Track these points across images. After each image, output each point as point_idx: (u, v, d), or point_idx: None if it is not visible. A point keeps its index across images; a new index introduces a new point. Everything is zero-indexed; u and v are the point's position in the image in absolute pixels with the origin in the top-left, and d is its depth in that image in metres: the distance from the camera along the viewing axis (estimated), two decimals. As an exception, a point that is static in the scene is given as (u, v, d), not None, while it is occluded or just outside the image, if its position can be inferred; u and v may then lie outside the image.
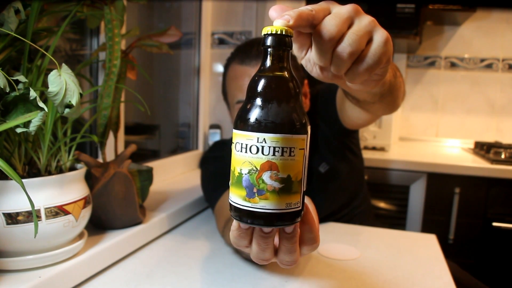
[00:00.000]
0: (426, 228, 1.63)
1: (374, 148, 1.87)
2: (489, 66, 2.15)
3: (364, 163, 1.20)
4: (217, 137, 1.55)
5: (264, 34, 0.36)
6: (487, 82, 2.16)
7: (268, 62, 0.36)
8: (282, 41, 0.35)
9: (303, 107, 0.36)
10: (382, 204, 1.73)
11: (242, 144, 0.35)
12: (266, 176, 0.34)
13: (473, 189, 1.57)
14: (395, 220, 1.71)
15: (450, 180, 1.58)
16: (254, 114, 0.34)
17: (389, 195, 1.71)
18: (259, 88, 0.35)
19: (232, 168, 0.36)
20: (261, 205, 0.34)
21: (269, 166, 0.34)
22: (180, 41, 1.54)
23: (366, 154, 1.66)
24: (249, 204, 0.35)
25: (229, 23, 1.56)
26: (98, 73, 1.03)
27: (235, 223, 0.38)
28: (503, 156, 1.67)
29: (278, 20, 0.36)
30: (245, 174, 0.34)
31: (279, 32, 0.35)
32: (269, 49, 0.36)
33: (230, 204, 0.37)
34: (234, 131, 0.36)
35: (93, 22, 0.79)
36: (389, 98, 0.69)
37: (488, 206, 1.56)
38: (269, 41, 0.36)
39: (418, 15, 1.74)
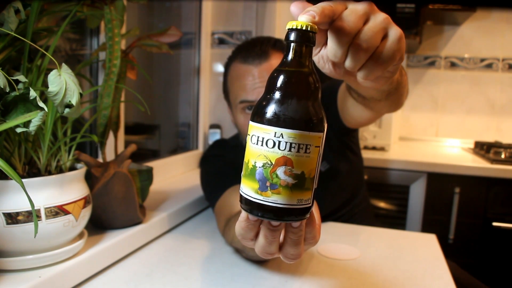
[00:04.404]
0: (426, 228, 1.63)
1: (374, 148, 1.87)
2: (489, 66, 2.15)
3: (363, 162, 1.20)
4: (217, 137, 1.55)
5: (289, 29, 0.36)
6: (487, 82, 2.16)
7: (291, 57, 0.36)
8: (307, 36, 0.35)
9: (321, 104, 0.36)
10: (382, 204, 1.73)
11: (258, 137, 0.34)
12: (280, 171, 0.34)
13: (473, 189, 1.57)
14: (395, 220, 1.71)
15: (450, 180, 1.58)
16: (273, 108, 0.34)
17: (389, 195, 1.71)
18: (280, 82, 0.35)
19: (246, 159, 0.36)
20: (273, 199, 0.34)
21: (284, 161, 0.34)
22: (180, 41, 1.54)
23: (366, 154, 1.66)
24: (261, 197, 0.35)
25: (229, 23, 1.56)
26: (98, 73, 1.03)
27: (243, 214, 0.38)
28: (503, 156, 1.67)
29: (303, 15, 0.36)
30: (259, 167, 0.34)
31: (304, 28, 0.35)
32: (292, 44, 0.36)
33: (241, 195, 0.37)
34: (251, 123, 0.36)
35: (93, 22, 0.79)
36: (395, 96, 0.70)
37: (488, 206, 1.56)
38: (293, 36, 0.35)
39: (418, 15, 1.74)
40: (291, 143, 0.33)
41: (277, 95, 0.35)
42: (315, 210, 0.41)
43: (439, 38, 2.20)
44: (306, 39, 0.35)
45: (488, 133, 2.17)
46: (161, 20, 1.51)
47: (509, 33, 2.11)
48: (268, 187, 0.34)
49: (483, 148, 1.83)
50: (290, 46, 0.36)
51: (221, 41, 1.58)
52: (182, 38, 1.38)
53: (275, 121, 0.34)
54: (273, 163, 0.34)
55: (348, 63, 0.39)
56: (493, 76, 2.15)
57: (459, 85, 2.20)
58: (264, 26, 1.53)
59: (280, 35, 1.50)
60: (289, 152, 0.34)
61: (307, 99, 0.35)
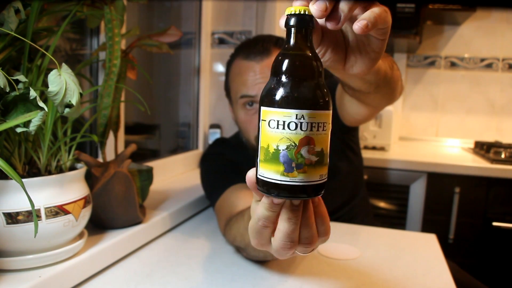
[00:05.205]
0: (426, 228, 1.63)
1: (374, 148, 1.87)
2: (489, 66, 2.15)
3: (363, 162, 1.20)
4: (217, 137, 1.55)
5: (288, 14, 0.38)
6: (487, 82, 2.16)
7: (295, 41, 0.38)
8: (307, 20, 0.37)
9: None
10: (382, 204, 1.73)
11: (278, 121, 0.36)
12: (304, 151, 0.35)
13: (473, 189, 1.57)
14: (395, 220, 1.71)
15: (450, 180, 1.58)
16: (291, 91, 0.36)
17: (389, 195, 1.71)
18: (292, 66, 0.37)
19: (264, 145, 0.37)
20: (300, 178, 0.36)
21: (307, 141, 0.35)
22: (180, 41, 1.54)
23: (366, 154, 1.66)
24: (288, 179, 0.36)
25: (229, 23, 1.56)
26: (98, 73, 1.03)
27: (265, 199, 0.39)
28: (503, 155, 1.67)
29: (298, 1, 0.38)
30: (283, 150, 0.36)
31: (302, 12, 0.37)
32: (294, 28, 0.38)
33: (263, 181, 0.37)
34: (267, 108, 0.36)
35: (93, 21, 0.79)
36: (385, 89, 0.71)
37: (488, 206, 1.56)
38: (295, 21, 0.37)
39: (418, 15, 1.74)
40: (311, 123, 0.35)
41: (290, 78, 0.36)
42: (324, 206, 0.42)
43: (439, 38, 2.20)
44: (306, 22, 0.37)
45: (488, 133, 2.17)
46: (161, 20, 1.51)
47: (509, 33, 2.11)
48: (294, 168, 0.36)
49: (483, 148, 1.83)
50: (292, 31, 0.38)
51: (221, 41, 1.58)
52: (182, 38, 1.38)
53: (295, 104, 0.35)
54: (297, 144, 0.35)
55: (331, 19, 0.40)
56: (493, 76, 2.15)
57: (459, 85, 2.20)
58: (264, 26, 1.53)
59: (280, 34, 1.50)
60: (310, 132, 0.35)
61: (318, 80, 0.37)
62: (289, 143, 0.35)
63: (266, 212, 0.39)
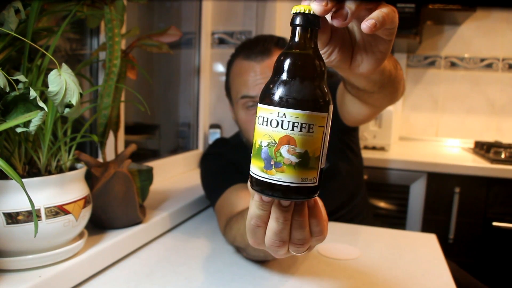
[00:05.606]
0: (426, 227, 1.63)
1: (374, 148, 1.87)
2: (489, 66, 2.15)
3: (363, 163, 1.20)
4: (217, 137, 1.55)
5: (294, 13, 0.37)
6: (487, 82, 2.16)
7: (296, 40, 0.37)
8: (310, 20, 0.37)
9: (327, 86, 0.37)
10: (382, 204, 1.73)
11: (264, 117, 0.36)
12: (283, 150, 0.35)
13: (473, 189, 1.57)
14: (395, 219, 1.71)
15: (450, 180, 1.58)
16: (277, 89, 0.36)
17: (389, 195, 1.71)
18: (284, 64, 0.36)
19: (254, 140, 0.37)
20: (277, 177, 0.35)
21: (287, 140, 0.35)
22: (180, 41, 1.54)
23: (366, 154, 1.66)
24: (266, 176, 0.36)
25: (229, 23, 1.56)
26: (98, 73, 1.03)
27: (256, 197, 0.39)
28: (503, 155, 1.67)
29: (306, 1, 0.38)
30: (265, 146, 0.36)
31: (307, 12, 0.37)
32: (298, 28, 0.37)
33: (250, 175, 0.38)
34: (258, 105, 0.37)
35: (93, 22, 0.79)
36: (389, 89, 0.71)
37: (488, 206, 1.56)
38: (298, 20, 0.37)
39: (418, 15, 1.74)
40: (293, 123, 0.35)
41: (281, 77, 0.36)
42: (321, 207, 0.41)
43: (439, 38, 2.20)
44: (311, 22, 0.37)
45: (488, 133, 2.17)
46: (161, 20, 1.51)
47: (509, 33, 2.11)
48: (273, 166, 0.35)
49: (483, 148, 1.83)
50: (295, 30, 0.37)
51: (221, 41, 1.58)
52: (182, 38, 1.38)
53: (278, 102, 0.35)
54: (277, 142, 0.35)
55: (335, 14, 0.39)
56: (493, 76, 2.15)
57: (459, 85, 2.20)
58: (264, 26, 1.53)
59: (280, 34, 1.50)
60: (292, 131, 0.35)
61: (310, 80, 0.36)
62: (270, 140, 0.35)
63: (257, 211, 0.40)
